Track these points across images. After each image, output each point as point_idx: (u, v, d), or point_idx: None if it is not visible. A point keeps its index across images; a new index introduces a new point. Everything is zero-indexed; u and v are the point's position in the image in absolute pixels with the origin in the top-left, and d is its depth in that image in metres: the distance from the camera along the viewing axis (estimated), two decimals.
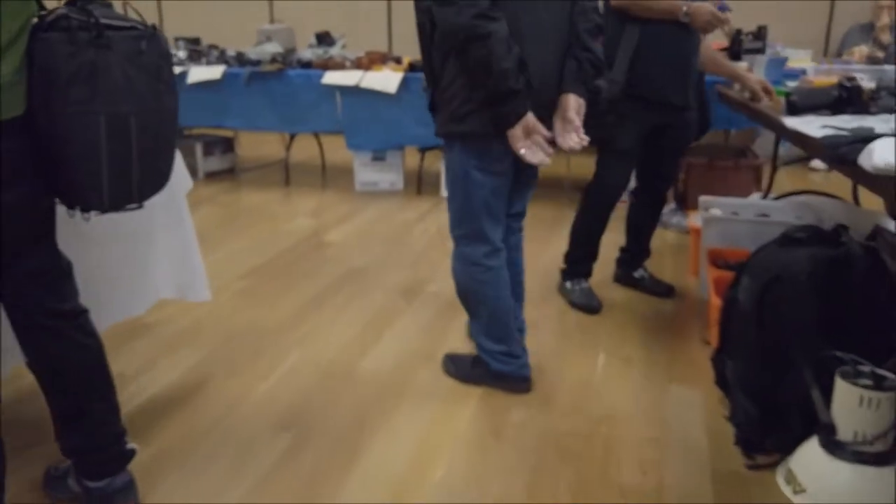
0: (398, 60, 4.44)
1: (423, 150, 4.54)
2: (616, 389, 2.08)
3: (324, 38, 4.91)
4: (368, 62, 4.39)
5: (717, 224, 2.57)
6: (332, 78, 4.27)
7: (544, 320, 2.56)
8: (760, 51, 3.76)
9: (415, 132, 4.27)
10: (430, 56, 1.81)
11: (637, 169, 2.62)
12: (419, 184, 4.53)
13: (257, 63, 4.51)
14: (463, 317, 2.28)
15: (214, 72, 4.45)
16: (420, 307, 2.69)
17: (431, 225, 3.81)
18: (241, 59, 4.53)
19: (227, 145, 5.09)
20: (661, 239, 3.29)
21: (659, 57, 2.37)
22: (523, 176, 2.00)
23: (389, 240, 3.55)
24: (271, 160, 5.35)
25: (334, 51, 4.90)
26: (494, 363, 2.05)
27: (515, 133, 1.73)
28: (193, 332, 2.46)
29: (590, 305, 2.58)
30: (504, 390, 2.05)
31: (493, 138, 1.76)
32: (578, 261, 2.68)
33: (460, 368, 2.16)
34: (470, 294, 2.01)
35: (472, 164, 1.83)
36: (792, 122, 1.90)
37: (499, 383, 2.06)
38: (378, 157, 4.55)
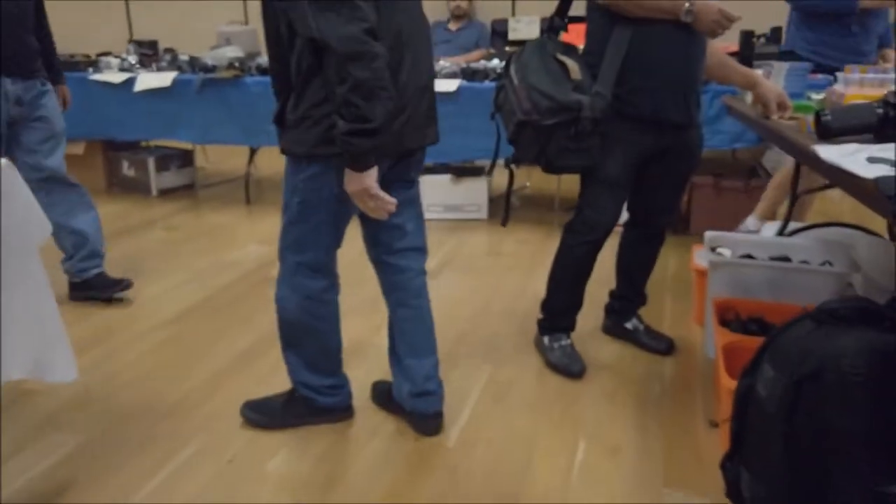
0: None
1: None
2: (597, 495, 1.61)
3: None
4: None
5: (727, 269, 2.10)
6: None
7: (515, 385, 2.09)
8: (775, 56, 3.31)
9: None
10: (285, 65, 1.52)
11: (629, 201, 2.17)
12: None
13: (213, 69, 4.06)
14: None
15: (164, 79, 4.01)
16: (369, 368, 2.23)
17: None
18: (194, 64, 4.08)
19: (185, 159, 4.64)
20: (660, 268, 2.82)
21: (655, 65, 1.92)
22: (398, 183, 1.70)
23: (352, 271, 3.09)
24: (236, 175, 4.91)
25: None
26: (321, 398, 1.86)
27: (364, 181, 1.46)
28: (77, 407, 1.99)
29: (570, 370, 2.12)
30: (327, 423, 1.88)
31: (378, 158, 1.52)
32: (558, 313, 2.21)
33: (268, 413, 1.89)
34: (299, 327, 1.77)
35: (336, 189, 1.54)
36: (829, 154, 1.44)
37: (322, 419, 1.88)
38: None
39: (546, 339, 2.22)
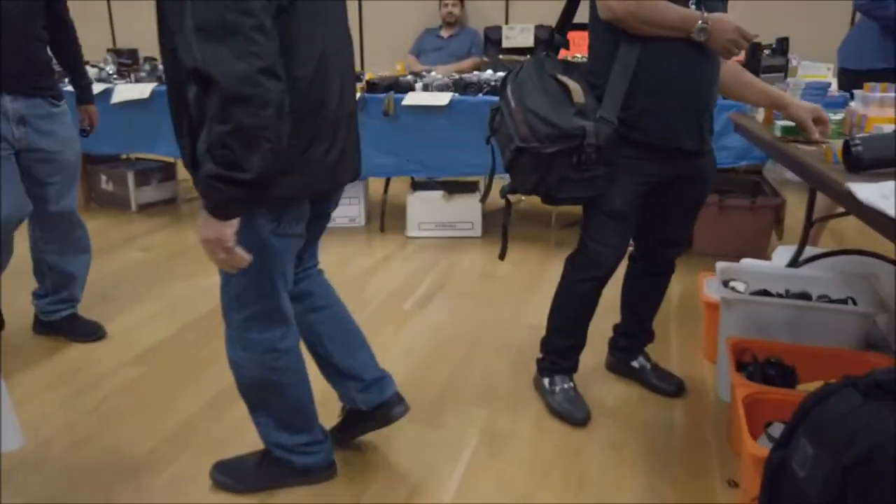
0: (357, 78, 3.81)
1: (388, 182, 3.93)
2: None
3: None
4: None
5: (742, 307, 1.94)
6: None
7: (513, 435, 1.92)
8: (782, 69, 3.16)
9: (376, 161, 3.64)
10: (183, 98, 1.30)
11: (636, 232, 2.01)
12: (382, 219, 3.90)
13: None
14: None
15: (142, 90, 3.82)
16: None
17: (392, 276, 3.17)
18: None
19: (167, 172, 4.46)
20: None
21: (665, 87, 1.76)
22: (318, 227, 1.64)
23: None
24: None
25: None
26: (298, 458, 1.67)
27: (222, 231, 1.26)
28: (31, 468, 1.79)
29: (573, 417, 1.95)
30: (306, 484, 1.69)
31: (308, 198, 1.44)
32: (560, 353, 2.05)
33: (241, 476, 1.70)
34: (262, 388, 1.59)
35: (270, 230, 1.41)
36: (867, 194, 1.28)
37: (301, 479, 1.70)
38: None
39: (546, 382, 2.05)
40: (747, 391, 1.62)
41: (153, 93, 3.82)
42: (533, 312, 2.75)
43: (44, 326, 2.52)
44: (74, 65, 2.47)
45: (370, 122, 3.58)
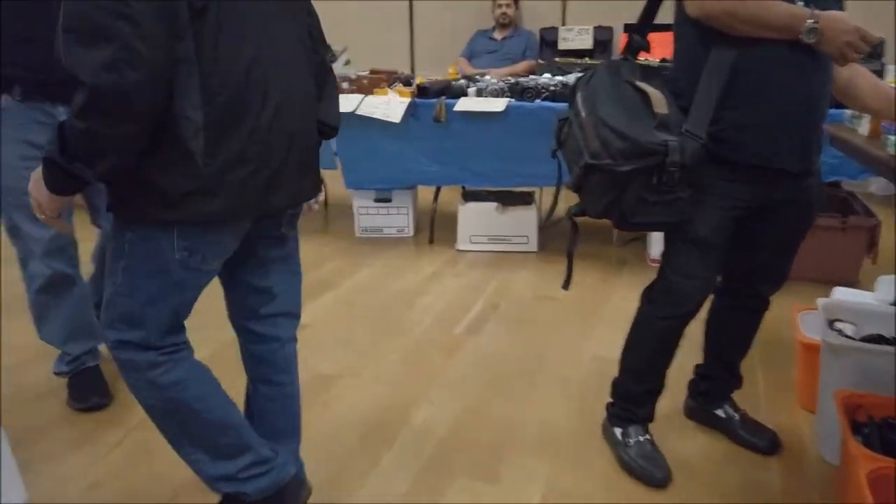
0: (407, 82, 3.62)
1: (438, 191, 3.72)
2: None
3: None
4: (370, 84, 3.58)
5: (853, 356, 1.65)
6: None
7: (577, 493, 1.68)
8: (878, 73, 2.83)
9: (426, 168, 3.45)
10: None
11: (725, 262, 1.74)
12: (431, 231, 3.70)
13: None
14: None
15: None
16: (396, 461, 1.84)
17: (441, 295, 2.96)
18: None
19: None
20: None
21: (766, 98, 1.49)
22: (264, 249, 1.43)
23: (380, 319, 2.72)
24: None
25: (335, 68, 4.11)
26: (251, 484, 1.42)
27: (51, 201, 1.19)
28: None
29: (651, 476, 1.69)
30: None
31: (224, 226, 1.25)
32: (634, 400, 1.79)
33: None
34: (168, 412, 1.36)
35: (179, 261, 1.24)
36: None
37: None
38: (382, 198, 3.74)
39: (618, 432, 1.80)
40: (873, 465, 1.34)
41: None
42: (596, 342, 2.49)
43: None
44: None
45: (420, 128, 3.38)
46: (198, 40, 1.10)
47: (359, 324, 2.67)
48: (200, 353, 1.41)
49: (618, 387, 1.82)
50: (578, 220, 1.70)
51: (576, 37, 5.10)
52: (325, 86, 1.45)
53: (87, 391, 2.08)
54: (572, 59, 4.94)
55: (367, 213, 3.77)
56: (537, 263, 3.37)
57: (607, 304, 2.84)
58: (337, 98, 1.50)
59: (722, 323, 1.86)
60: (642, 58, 2.03)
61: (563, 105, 3.11)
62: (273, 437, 1.50)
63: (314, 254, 3.50)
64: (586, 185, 1.61)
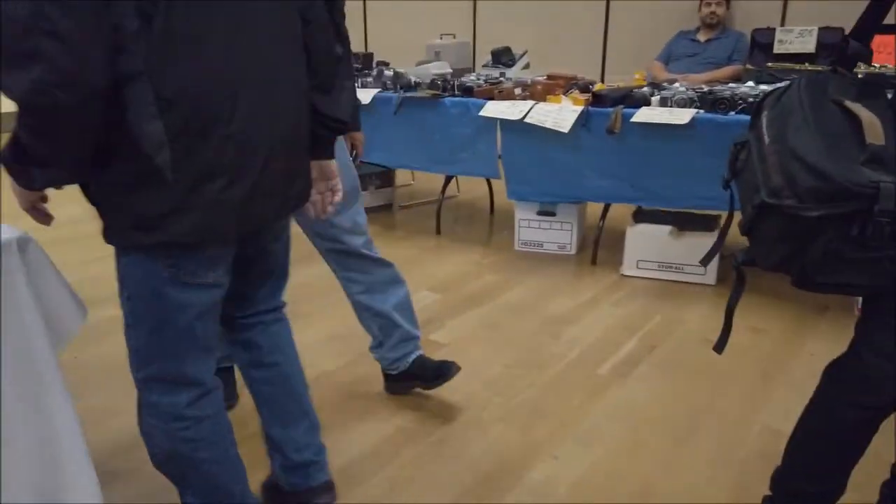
0: (585, 88, 3.35)
1: (606, 208, 3.41)
2: None
3: (501, 56, 3.98)
4: (543, 90, 3.36)
5: None
6: (492, 109, 3.33)
7: None
8: None
9: (595, 183, 3.17)
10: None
11: None
12: (595, 250, 3.39)
13: (415, 87, 3.73)
14: None
15: (364, 96, 3.76)
16: None
17: (595, 325, 2.67)
18: (397, 81, 3.77)
19: (385, 179, 4.40)
20: None
21: None
22: (260, 265, 1.39)
23: (522, 348, 2.50)
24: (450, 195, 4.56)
25: (513, 72, 3.95)
26: None
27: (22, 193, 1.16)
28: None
29: None
30: None
31: (204, 244, 1.15)
32: (803, 500, 1.41)
33: None
34: (175, 460, 1.30)
35: (167, 278, 1.16)
36: None
37: None
38: (546, 210, 3.51)
39: None
40: None
41: (374, 99, 3.74)
42: (771, 408, 2.07)
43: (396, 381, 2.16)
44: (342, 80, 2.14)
45: (592, 139, 3.10)
46: (150, 48, 0.99)
47: (498, 351, 2.48)
48: None
49: (781, 480, 1.45)
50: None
51: (795, 39, 4.44)
52: (333, 76, 1.31)
53: None
54: (788, 65, 4.30)
55: (529, 227, 3.55)
56: (713, 299, 2.93)
57: (794, 361, 2.37)
58: (350, 89, 1.38)
59: None
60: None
61: None
62: (277, 422, 1.48)
63: (471, 265, 3.38)
64: (760, 229, 1.28)
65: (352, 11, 6.68)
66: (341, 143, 1.90)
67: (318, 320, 2.72)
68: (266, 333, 1.47)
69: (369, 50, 6.62)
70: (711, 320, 2.72)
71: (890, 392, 1.26)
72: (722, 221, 3.16)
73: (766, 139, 1.28)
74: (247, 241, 1.28)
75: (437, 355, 2.37)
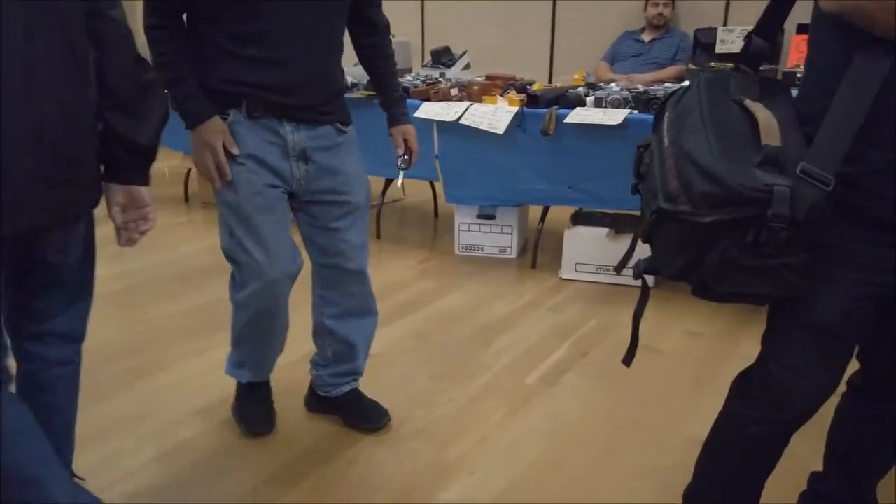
0: (523, 89, 3.27)
1: (545, 211, 3.34)
2: None
3: (441, 56, 3.89)
4: (480, 91, 3.29)
5: None
6: (427, 110, 3.24)
7: None
8: None
9: (532, 186, 3.10)
10: None
11: (866, 354, 1.25)
12: (535, 254, 3.33)
13: (351, 88, 3.62)
14: None
15: None
16: None
17: (528, 331, 2.60)
18: None
19: None
20: None
21: None
22: (39, 277, 1.29)
23: (451, 359, 2.42)
24: (387, 198, 4.46)
25: (453, 72, 3.87)
26: None
27: None
28: None
29: None
30: None
31: None
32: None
33: None
34: None
35: None
36: None
37: None
38: (486, 214, 3.43)
39: None
40: None
41: None
42: (700, 418, 2.00)
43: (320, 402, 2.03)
44: (385, 76, 1.94)
45: (528, 141, 3.03)
46: None
47: (425, 362, 2.39)
48: None
49: (693, 498, 1.38)
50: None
51: (737, 39, 4.44)
52: (137, 99, 1.26)
53: None
54: (730, 65, 4.30)
55: (469, 230, 3.47)
56: (651, 302, 2.87)
57: (726, 366, 2.32)
58: (159, 112, 1.29)
59: (856, 431, 1.36)
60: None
61: None
62: (34, 465, 1.25)
63: (408, 271, 3.28)
64: (658, 236, 1.21)
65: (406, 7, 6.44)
66: (351, 150, 1.76)
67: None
68: (44, 375, 1.34)
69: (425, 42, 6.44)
70: (646, 325, 2.66)
71: (799, 406, 1.20)
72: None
73: (666, 141, 1.21)
74: (15, 248, 1.21)
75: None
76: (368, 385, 2.07)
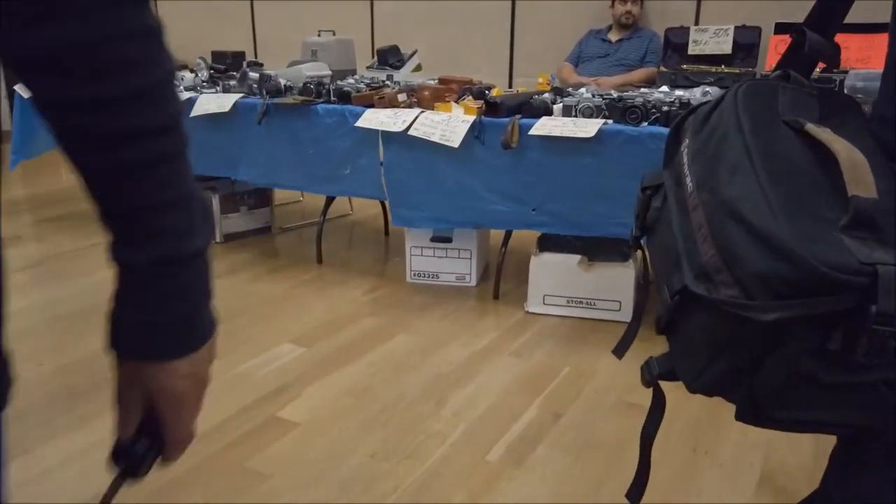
0: (480, 94, 2.86)
1: (508, 234, 2.93)
2: None
3: (388, 56, 3.45)
4: (432, 97, 2.86)
5: None
6: (370, 119, 2.80)
7: None
8: None
9: (493, 207, 2.69)
10: None
11: None
12: (497, 283, 2.92)
13: (285, 91, 3.16)
14: None
15: (223, 103, 3.17)
16: None
17: (489, 384, 2.18)
18: (264, 84, 3.19)
19: (261, 197, 3.79)
20: None
21: None
22: None
23: (393, 427, 1.98)
24: (332, 214, 3.99)
25: (402, 75, 3.44)
26: None
27: None
28: None
29: None
30: None
31: None
32: None
33: None
34: None
35: None
36: None
37: None
38: (441, 237, 3.01)
39: None
40: None
41: (237, 105, 3.15)
42: (706, 494, 1.62)
43: None
44: None
45: (487, 155, 2.62)
46: None
47: (364, 430, 1.94)
48: None
49: None
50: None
51: (710, 39, 4.12)
52: None
53: None
54: (704, 67, 3.98)
55: (422, 255, 3.05)
56: (633, 343, 2.49)
57: (730, 429, 1.94)
58: None
59: None
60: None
61: None
62: None
63: (351, 304, 2.84)
64: (682, 328, 0.81)
65: (237, 8, 6.03)
66: None
67: None
68: None
69: (258, 50, 5.99)
70: (627, 371, 2.28)
71: None
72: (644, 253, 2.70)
73: (689, 183, 0.81)
74: None
75: (286, 439, 1.83)
76: (290, 465, 1.62)
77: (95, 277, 3.01)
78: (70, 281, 3.03)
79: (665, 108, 2.36)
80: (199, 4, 6.21)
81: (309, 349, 2.43)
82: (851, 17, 0.89)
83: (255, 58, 5.99)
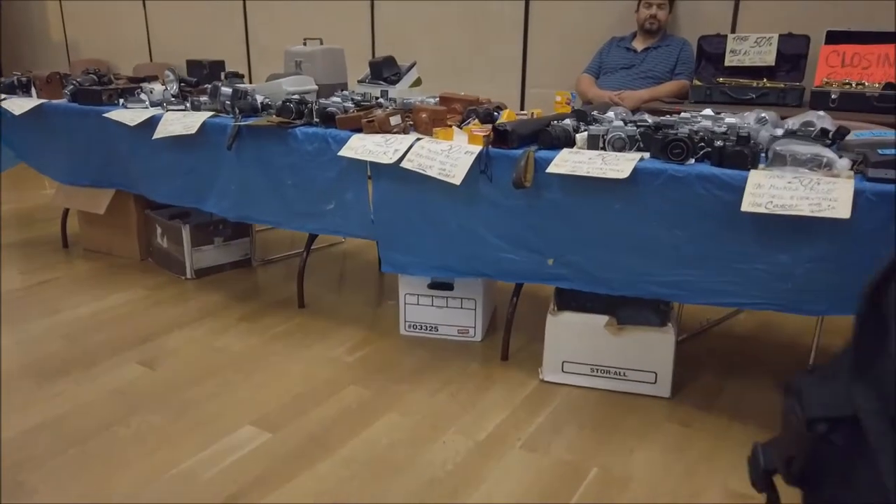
0: (488, 117, 2.40)
1: (519, 287, 2.47)
2: None
3: (382, 69, 2.99)
4: (430, 120, 2.40)
5: None
6: (356, 147, 2.34)
7: None
8: None
9: (502, 255, 2.23)
10: None
11: None
12: (505, 345, 2.45)
13: (259, 111, 2.71)
14: None
15: (189, 124, 2.72)
16: None
17: (499, 488, 1.71)
18: (237, 101, 2.74)
19: (240, 226, 3.35)
20: None
21: None
22: None
23: None
24: (321, 243, 3.54)
25: (398, 91, 2.98)
26: None
27: None
28: None
29: None
30: None
31: None
32: None
33: None
34: None
35: None
36: None
37: None
38: (440, 283, 2.55)
39: None
40: None
41: (205, 126, 2.70)
42: None
43: None
44: None
45: (495, 195, 2.16)
46: None
47: None
48: None
49: None
50: None
51: (751, 48, 3.63)
52: None
53: None
54: (744, 81, 3.51)
55: (418, 304, 2.59)
56: (669, 427, 2.03)
57: None
58: None
59: None
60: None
61: (739, 175, 1.77)
62: None
63: (331, 367, 2.38)
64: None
65: (228, 9, 5.56)
66: None
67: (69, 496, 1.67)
68: None
69: (251, 59, 5.56)
70: (669, 472, 1.81)
71: None
72: (676, 312, 2.18)
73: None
74: None
75: None
76: None
77: (49, 322, 2.57)
78: (23, 326, 2.60)
79: (718, 143, 1.89)
80: (190, 7, 5.80)
81: (274, 436, 1.97)
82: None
83: (249, 67, 5.57)
